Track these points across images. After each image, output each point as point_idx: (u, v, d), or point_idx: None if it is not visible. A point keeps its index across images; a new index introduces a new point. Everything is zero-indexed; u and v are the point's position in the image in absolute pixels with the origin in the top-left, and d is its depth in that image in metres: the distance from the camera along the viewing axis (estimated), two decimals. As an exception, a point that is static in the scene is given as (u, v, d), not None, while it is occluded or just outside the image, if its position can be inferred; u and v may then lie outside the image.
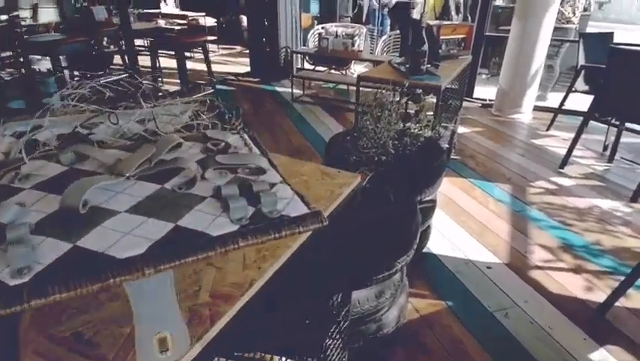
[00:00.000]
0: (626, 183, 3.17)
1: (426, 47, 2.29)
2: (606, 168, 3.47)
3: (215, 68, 7.16)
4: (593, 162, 3.57)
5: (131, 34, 4.60)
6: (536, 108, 4.87)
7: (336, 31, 5.77)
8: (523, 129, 4.43)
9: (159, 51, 6.24)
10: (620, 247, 2.41)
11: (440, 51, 2.70)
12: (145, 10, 9.11)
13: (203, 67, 6.06)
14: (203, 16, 8.54)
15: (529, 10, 4.36)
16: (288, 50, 5.92)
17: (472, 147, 3.87)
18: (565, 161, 3.42)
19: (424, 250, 2.30)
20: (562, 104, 4.19)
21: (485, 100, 5.29)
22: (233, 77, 6.26)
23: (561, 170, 3.40)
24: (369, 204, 1.61)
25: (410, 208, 1.67)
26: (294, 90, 5.26)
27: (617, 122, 3.31)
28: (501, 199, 2.92)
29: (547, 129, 4.35)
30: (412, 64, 2.34)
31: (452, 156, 3.57)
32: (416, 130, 1.97)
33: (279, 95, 5.49)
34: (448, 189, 3.04)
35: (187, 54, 7.99)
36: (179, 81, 5.31)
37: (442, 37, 2.77)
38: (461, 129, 4.28)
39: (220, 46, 8.88)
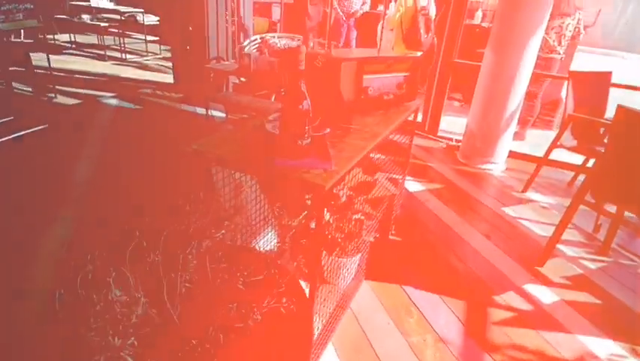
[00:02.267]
0: (630, 298, 2.20)
1: (307, 103, 1.25)
2: (601, 264, 2.50)
3: (144, 74, 6.04)
4: (582, 254, 2.59)
5: None
6: (512, 155, 3.92)
7: (276, 43, 4.71)
8: (493, 188, 3.45)
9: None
10: None
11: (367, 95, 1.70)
12: (77, 2, 7.88)
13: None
14: (141, 12, 7.37)
15: (507, 38, 3.39)
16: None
17: (420, 218, 2.85)
18: (546, 255, 2.43)
19: None
20: (545, 158, 3.23)
21: (452, 140, 4.32)
22: (149, 90, 5.11)
23: (539, 268, 2.41)
24: None
25: None
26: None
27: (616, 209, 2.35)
28: (445, 338, 1.88)
29: (524, 190, 3.38)
30: (284, 134, 1.30)
31: (390, 236, 2.54)
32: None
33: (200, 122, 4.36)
34: (368, 301, 2.01)
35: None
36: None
37: (367, 77, 1.74)
38: (413, 186, 3.27)
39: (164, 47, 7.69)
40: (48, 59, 4.62)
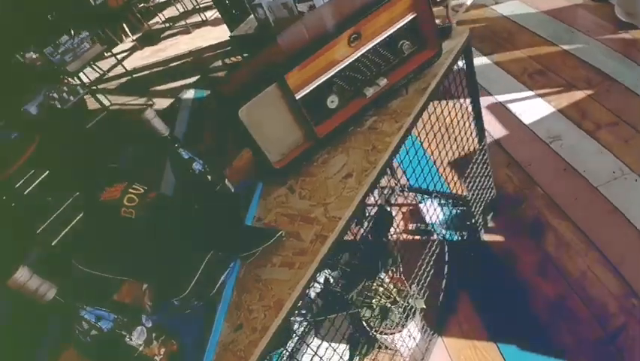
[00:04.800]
0: None
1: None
2: None
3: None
4: None
5: None
6: None
7: None
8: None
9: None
10: None
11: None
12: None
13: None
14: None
15: None
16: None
17: (546, 190, 1.85)
18: None
19: None
20: None
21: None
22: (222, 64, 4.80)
23: None
24: None
25: None
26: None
27: None
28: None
29: None
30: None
31: (484, 236, 1.73)
32: None
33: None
34: None
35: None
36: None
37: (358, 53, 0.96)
38: (537, 108, 2.14)
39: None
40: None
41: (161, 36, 6.44)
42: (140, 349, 0.69)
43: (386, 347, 1.44)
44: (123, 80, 5.46)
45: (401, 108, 1.05)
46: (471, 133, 1.49)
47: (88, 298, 0.66)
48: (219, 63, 4.69)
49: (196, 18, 6.16)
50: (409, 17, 1.02)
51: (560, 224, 1.59)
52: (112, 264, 0.71)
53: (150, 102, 4.62)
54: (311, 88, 0.97)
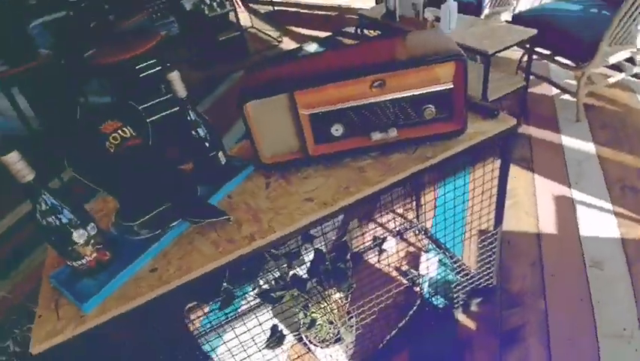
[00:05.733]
0: None
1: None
2: None
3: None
4: None
5: None
6: None
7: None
8: None
9: None
10: None
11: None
12: None
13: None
14: None
15: None
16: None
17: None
18: None
19: None
20: None
21: None
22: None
23: None
24: None
25: None
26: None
27: None
28: None
29: None
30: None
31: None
32: None
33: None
34: None
35: None
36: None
37: (384, 99, 1.00)
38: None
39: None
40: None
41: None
42: (76, 246, 0.89)
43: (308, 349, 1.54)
44: (270, 8, 5.83)
45: (397, 165, 1.06)
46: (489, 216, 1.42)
47: (64, 197, 0.86)
48: (352, 30, 4.75)
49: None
50: (442, 87, 1.00)
51: (537, 350, 1.47)
52: (91, 175, 0.90)
53: (280, 39, 4.92)
54: (322, 110, 1.04)
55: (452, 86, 1.01)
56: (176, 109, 1.03)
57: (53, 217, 0.86)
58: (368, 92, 1.01)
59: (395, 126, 1.07)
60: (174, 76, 0.98)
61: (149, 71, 1.29)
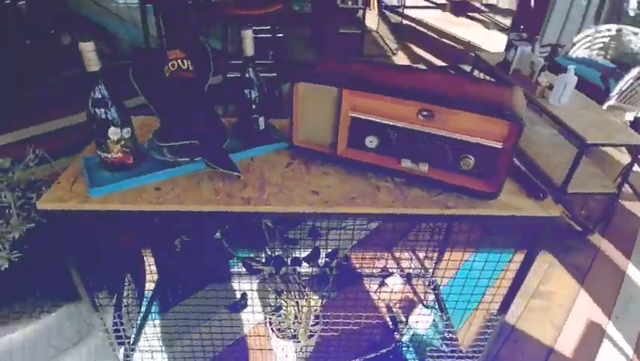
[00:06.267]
0: None
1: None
2: None
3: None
4: None
5: None
6: None
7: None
8: None
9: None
10: None
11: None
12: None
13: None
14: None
15: None
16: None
17: None
18: None
19: None
20: None
21: None
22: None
23: None
24: None
25: None
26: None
27: None
28: None
29: None
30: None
31: None
32: None
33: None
34: None
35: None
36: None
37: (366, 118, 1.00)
38: None
39: None
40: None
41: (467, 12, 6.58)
42: (109, 141, 1.00)
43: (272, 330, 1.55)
44: (399, 19, 5.86)
45: (413, 200, 1.03)
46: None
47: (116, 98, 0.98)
48: (468, 68, 4.62)
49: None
50: (489, 142, 0.95)
51: None
52: (145, 89, 1.01)
53: (396, 52, 4.94)
54: (365, 117, 1.05)
55: (500, 147, 0.95)
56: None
57: (101, 109, 0.98)
58: (414, 119, 1.00)
59: (428, 162, 1.04)
60: (248, 34, 1.05)
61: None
